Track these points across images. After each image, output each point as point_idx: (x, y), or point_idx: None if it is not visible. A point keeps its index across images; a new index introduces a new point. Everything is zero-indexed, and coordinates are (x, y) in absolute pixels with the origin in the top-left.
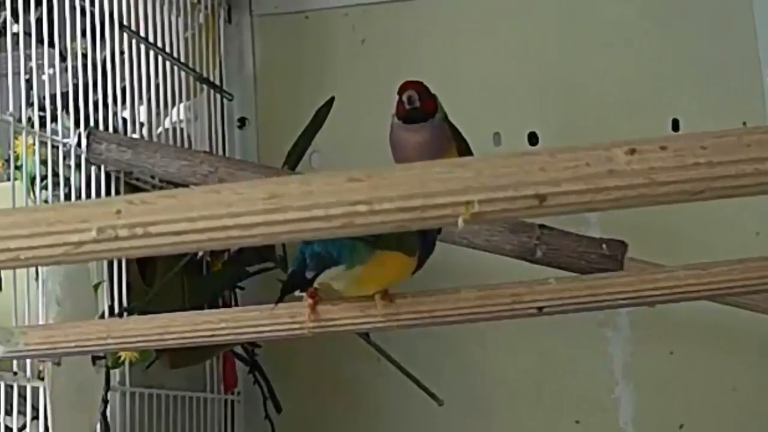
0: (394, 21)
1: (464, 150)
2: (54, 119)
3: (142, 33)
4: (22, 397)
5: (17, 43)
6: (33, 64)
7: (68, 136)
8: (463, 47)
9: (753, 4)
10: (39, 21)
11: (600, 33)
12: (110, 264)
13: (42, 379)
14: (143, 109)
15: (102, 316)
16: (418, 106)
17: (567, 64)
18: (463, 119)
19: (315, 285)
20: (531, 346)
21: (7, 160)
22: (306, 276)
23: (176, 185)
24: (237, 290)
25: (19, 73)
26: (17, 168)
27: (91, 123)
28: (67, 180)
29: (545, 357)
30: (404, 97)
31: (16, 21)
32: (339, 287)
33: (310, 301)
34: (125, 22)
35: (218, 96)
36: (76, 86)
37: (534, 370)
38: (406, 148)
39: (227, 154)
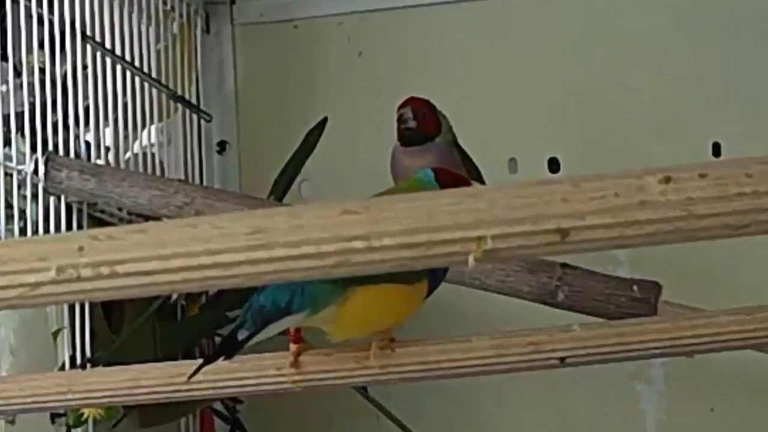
0: (395, 31)
1: (475, 178)
2: (7, 143)
3: (107, 45)
4: None
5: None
6: None
7: (24, 162)
8: (473, 61)
9: None
10: None
11: (630, 45)
12: (71, 308)
13: None
14: (109, 131)
15: (62, 368)
16: (414, 127)
17: (592, 80)
18: (475, 143)
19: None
20: (551, 402)
21: None
22: (237, 338)
23: (147, 218)
24: (216, 338)
25: None
26: None
27: (50, 147)
28: (22, 212)
29: (567, 414)
30: (397, 115)
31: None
32: (328, 333)
33: (293, 348)
34: (89, 33)
35: (195, 116)
36: (32, 105)
37: (554, 429)
38: (406, 175)
39: (205, 183)
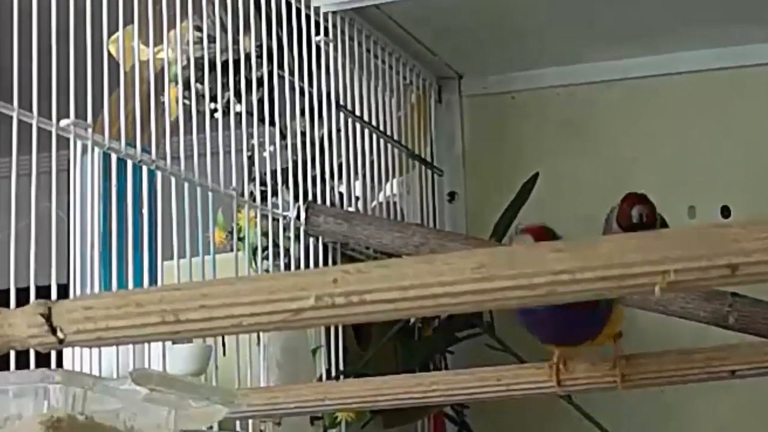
0: (596, 101)
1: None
2: (274, 193)
3: (357, 112)
4: None
5: (240, 122)
6: (255, 141)
7: (288, 210)
8: (659, 125)
9: None
10: (260, 101)
11: None
12: (327, 330)
13: None
14: (358, 183)
15: (320, 379)
16: (644, 223)
17: (764, 142)
18: (660, 193)
19: None
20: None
21: (231, 232)
22: None
23: (390, 256)
24: (447, 354)
25: (241, 150)
26: (240, 239)
27: (310, 197)
28: (286, 251)
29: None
30: (634, 213)
31: (239, 101)
32: None
33: (558, 356)
34: (341, 102)
35: (429, 171)
36: (295, 162)
37: None
38: None
39: (437, 227)
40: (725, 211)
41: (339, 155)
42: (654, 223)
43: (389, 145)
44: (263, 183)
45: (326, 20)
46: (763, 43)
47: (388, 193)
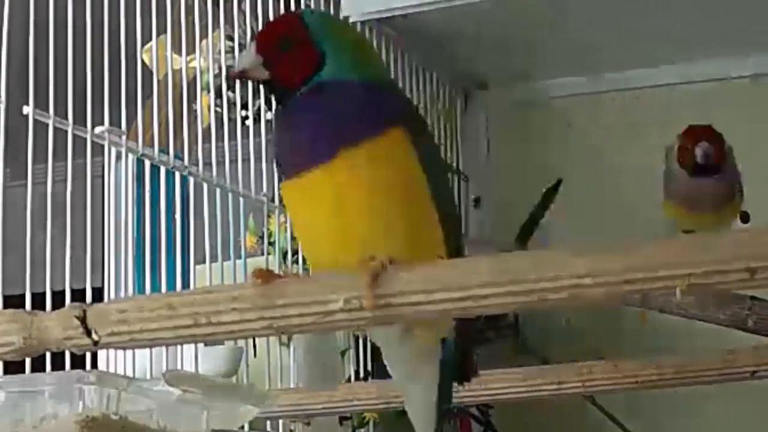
0: (611, 110)
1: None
2: None
3: None
4: None
5: (270, 129)
6: None
7: None
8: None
9: None
10: None
11: None
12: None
13: None
14: None
15: (348, 380)
16: (711, 163)
17: None
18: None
19: None
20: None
21: (261, 237)
22: None
23: None
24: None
25: (271, 157)
26: (270, 244)
27: None
28: None
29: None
30: (698, 152)
31: (270, 109)
32: None
33: None
34: None
35: (456, 177)
36: None
37: None
38: (690, 198)
39: (464, 231)
40: (745, 217)
41: None
42: (723, 161)
43: None
44: None
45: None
46: None
47: None
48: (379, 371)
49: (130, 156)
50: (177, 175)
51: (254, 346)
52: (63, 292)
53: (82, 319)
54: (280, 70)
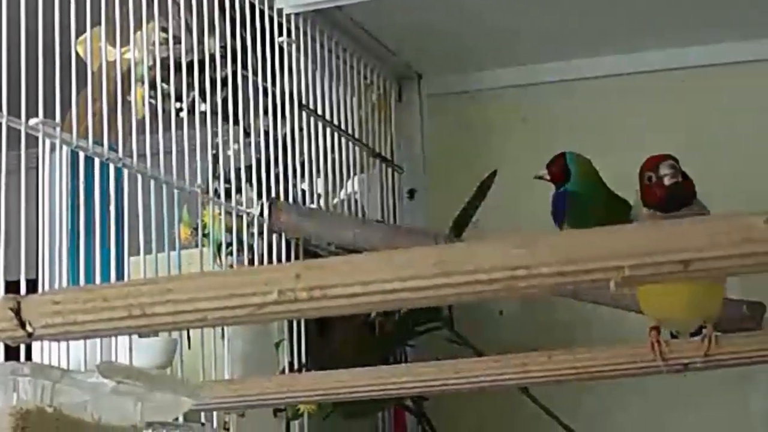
0: (554, 100)
1: None
2: (239, 191)
3: (319, 111)
4: None
5: (204, 120)
6: (219, 140)
7: (252, 206)
8: (618, 124)
9: None
10: (225, 100)
11: None
12: (290, 323)
13: (227, 430)
14: (320, 181)
15: (283, 372)
16: (680, 181)
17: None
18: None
19: None
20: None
21: (196, 228)
22: None
23: (351, 252)
24: (407, 348)
25: (206, 149)
26: (205, 236)
27: (273, 194)
28: (250, 246)
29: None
30: (663, 170)
31: (204, 100)
32: None
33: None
34: (304, 101)
35: (389, 169)
36: (258, 160)
37: None
38: None
39: (397, 223)
40: None
41: (301, 153)
42: (692, 189)
43: (350, 144)
44: (227, 180)
45: (289, 22)
46: None
47: (350, 190)
48: (313, 363)
49: (65, 148)
50: (111, 166)
51: (188, 337)
52: None
53: (16, 311)
54: None
